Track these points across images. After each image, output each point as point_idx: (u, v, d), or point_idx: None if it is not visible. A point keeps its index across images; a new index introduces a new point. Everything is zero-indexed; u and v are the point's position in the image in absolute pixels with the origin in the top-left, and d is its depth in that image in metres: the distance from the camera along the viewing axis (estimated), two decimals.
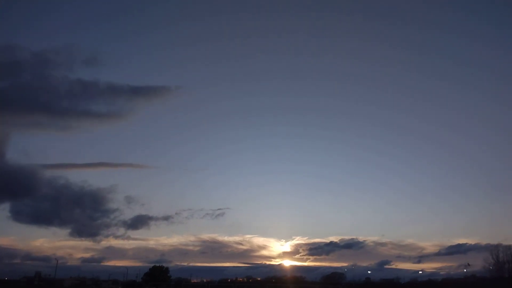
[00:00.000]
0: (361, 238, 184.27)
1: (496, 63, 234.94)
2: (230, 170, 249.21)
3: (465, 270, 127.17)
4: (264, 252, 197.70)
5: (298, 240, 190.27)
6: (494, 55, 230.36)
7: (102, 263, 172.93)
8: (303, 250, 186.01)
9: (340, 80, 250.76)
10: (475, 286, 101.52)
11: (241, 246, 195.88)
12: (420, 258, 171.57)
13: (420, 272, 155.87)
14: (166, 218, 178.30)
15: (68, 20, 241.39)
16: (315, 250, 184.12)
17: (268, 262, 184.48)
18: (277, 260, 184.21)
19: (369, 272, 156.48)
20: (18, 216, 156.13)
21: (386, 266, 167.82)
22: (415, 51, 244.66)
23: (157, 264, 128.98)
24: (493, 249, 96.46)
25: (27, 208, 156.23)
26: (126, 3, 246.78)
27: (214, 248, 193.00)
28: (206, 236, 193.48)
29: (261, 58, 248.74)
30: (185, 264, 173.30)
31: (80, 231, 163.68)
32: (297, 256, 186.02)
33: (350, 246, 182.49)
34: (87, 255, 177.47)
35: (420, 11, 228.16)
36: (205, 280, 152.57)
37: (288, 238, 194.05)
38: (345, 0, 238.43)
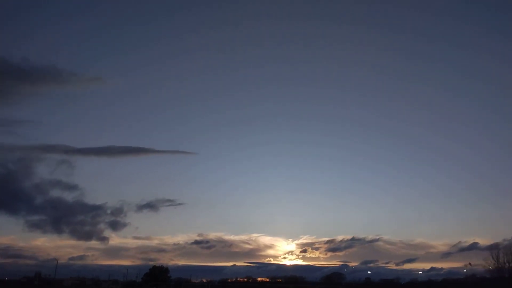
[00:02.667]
0: (370, 237, 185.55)
1: (490, 70, 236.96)
2: (238, 169, 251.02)
3: (465, 270, 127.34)
4: (270, 251, 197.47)
5: (305, 239, 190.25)
6: (487, 63, 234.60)
7: (102, 263, 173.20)
8: (310, 249, 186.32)
9: (349, 88, 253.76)
10: (475, 286, 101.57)
11: (247, 245, 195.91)
12: (439, 257, 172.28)
13: (420, 272, 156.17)
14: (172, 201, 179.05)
15: None
16: (322, 249, 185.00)
17: (273, 261, 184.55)
18: (283, 259, 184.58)
19: (369, 272, 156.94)
20: None
21: (408, 265, 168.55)
22: (417, 61, 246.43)
23: (157, 264, 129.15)
24: (494, 249, 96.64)
25: None
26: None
27: (220, 247, 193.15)
28: (212, 235, 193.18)
29: (269, 66, 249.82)
30: (189, 263, 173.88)
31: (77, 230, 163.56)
32: (303, 255, 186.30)
33: (358, 245, 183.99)
34: (87, 254, 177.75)
35: (419, 21, 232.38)
36: (204, 280, 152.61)
37: (295, 237, 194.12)
38: (353, 10, 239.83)
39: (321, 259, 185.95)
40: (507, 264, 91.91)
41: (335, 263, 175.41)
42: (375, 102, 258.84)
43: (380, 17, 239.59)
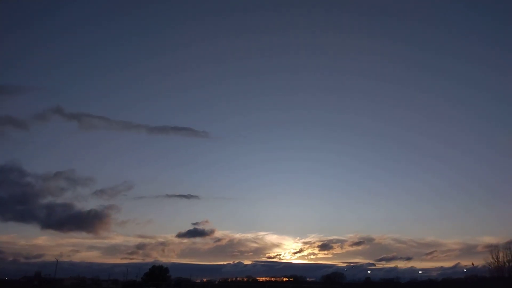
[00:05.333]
0: (379, 236, 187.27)
1: (488, 78, 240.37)
2: (246, 168, 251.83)
3: (464, 270, 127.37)
4: (277, 250, 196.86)
5: (313, 238, 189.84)
6: (484, 71, 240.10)
7: (103, 261, 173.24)
8: (317, 247, 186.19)
9: (361, 97, 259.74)
10: (475, 286, 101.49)
11: (253, 244, 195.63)
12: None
13: (420, 272, 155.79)
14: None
15: None
16: (330, 247, 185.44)
17: (278, 260, 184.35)
18: (289, 258, 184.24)
19: (369, 272, 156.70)
20: None
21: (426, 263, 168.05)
22: (418, 69, 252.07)
23: (157, 264, 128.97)
24: (493, 249, 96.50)
25: None
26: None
27: (225, 245, 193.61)
28: (219, 233, 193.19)
29: (282, 74, 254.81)
30: (189, 262, 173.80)
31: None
32: (310, 254, 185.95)
33: (368, 243, 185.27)
34: (89, 253, 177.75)
35: (418, 30, 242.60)
36: (204, 280, 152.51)
37: (303, 235, 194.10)
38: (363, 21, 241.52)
39: (329, 258, 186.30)
40: (507, 263, 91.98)
41: (342, 261, 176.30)
42: (387, 110, 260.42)
43: (383, 28, 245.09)
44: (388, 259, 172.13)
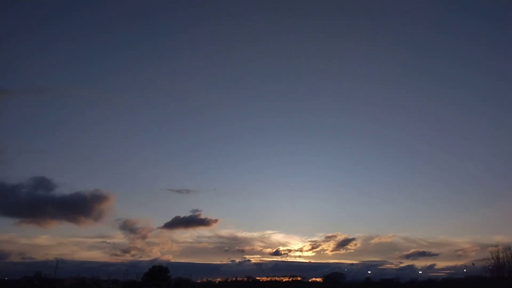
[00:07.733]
0: (388, 235, 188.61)
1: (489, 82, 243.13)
2: (251, 168, 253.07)
3: (465, 270, 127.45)
4: (283, 249, 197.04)
5: (320, 237, 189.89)
6: (484, 74, 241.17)
7: (104, 261, 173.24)
8: (324, 247, 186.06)
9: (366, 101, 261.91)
10: (475, 286, 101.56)
11: (259, 243, 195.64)
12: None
13: (420, 272, 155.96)
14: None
15: None
16: (337, 247, 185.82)
17: (285, 259, 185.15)
18: (295, 257, 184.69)
19: (369, 272, 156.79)
20: None
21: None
22: (429, 77, 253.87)
23: (156, 264, 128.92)
24: (493, 249, 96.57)
25: None
26: None
27: (231, 245, 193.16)
28: (224, 231, 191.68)
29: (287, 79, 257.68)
30: (190, 261, 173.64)
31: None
32: (316, 252, 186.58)
33: (375, 243, 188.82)
34: (90, 253, 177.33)
35: (421, 37, 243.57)
36: (204, 280, 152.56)
37: (310, 235, 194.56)
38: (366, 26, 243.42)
39: (336, 257, 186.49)
40: (507, 263, 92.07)
41: (349, 260, 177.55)
42: (394, 115, 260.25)
43: (384, 32, 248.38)
44: (407, 257, 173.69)
